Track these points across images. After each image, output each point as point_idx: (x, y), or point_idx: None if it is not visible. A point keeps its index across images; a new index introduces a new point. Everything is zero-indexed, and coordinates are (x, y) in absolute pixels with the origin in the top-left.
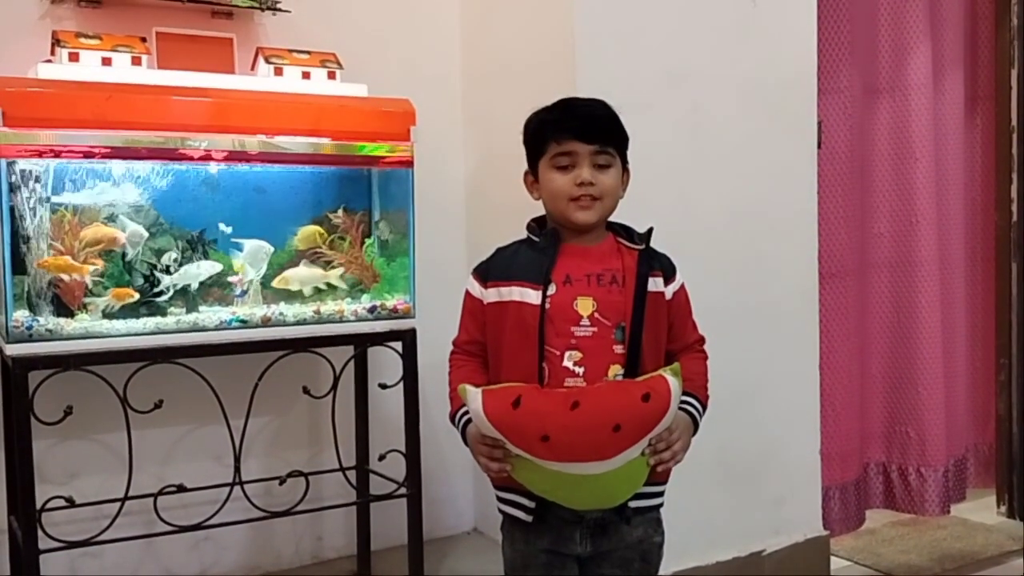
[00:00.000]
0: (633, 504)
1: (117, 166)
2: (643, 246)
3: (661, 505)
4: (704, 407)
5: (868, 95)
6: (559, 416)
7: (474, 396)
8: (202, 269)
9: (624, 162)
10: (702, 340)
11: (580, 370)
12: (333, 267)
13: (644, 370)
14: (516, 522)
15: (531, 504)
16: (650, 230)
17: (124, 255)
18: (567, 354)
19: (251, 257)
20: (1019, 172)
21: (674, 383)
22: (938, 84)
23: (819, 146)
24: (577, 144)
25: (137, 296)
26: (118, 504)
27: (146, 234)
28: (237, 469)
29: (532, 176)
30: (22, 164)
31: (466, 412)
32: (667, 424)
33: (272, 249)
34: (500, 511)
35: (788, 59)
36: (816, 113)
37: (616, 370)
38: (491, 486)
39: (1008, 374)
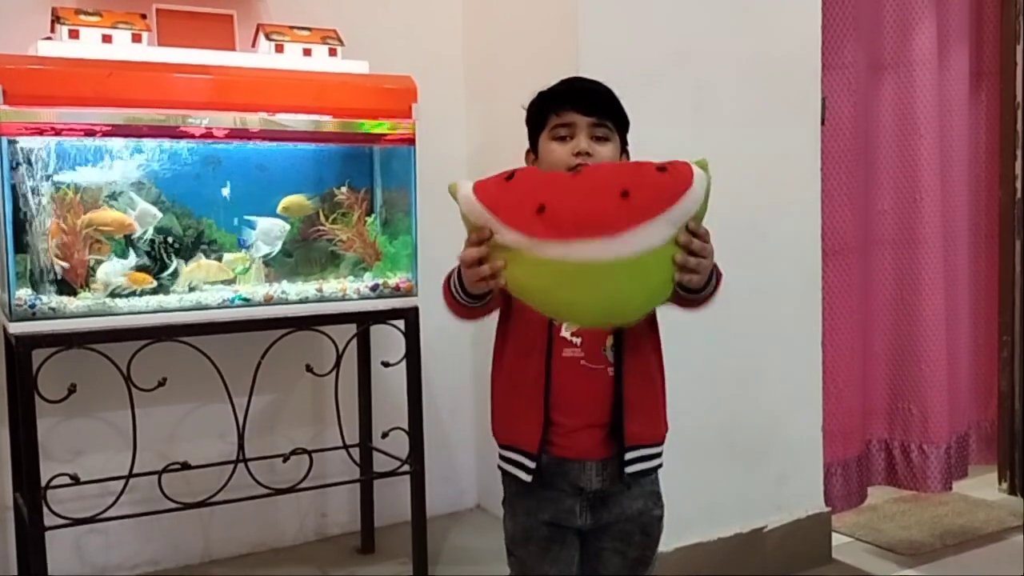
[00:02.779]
0: (631, 469)
1: (118, 144)
2: None
3: (659, 467)
4: (717, 277)
5: (872, 71)
6: (558, 183)
7: (464, 183)
8: (123, 265)
9: (624, 144)
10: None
11: (577, 340)
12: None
13: (634, 334)
14: (517, 495)
15: (532, 464)
16: None
17: (129, 236)
18: (565, 324)
19: (265, 235)
20: None
21: (699, 171)
22: (943, 60)
23: (823, 122)
24: (575, 115)
25: (155, 283)
26: (123, 481)
27: (159, 214)
28: (241, 447)
29: (533, 154)
30: (23, 142)
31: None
32: (693, 209)
33: (288, 227)
34: (500, 471)
35: (792, 35)
36: (820, 89)
37: (610, 341)
38: (495, 451)
39: (1011, 351)
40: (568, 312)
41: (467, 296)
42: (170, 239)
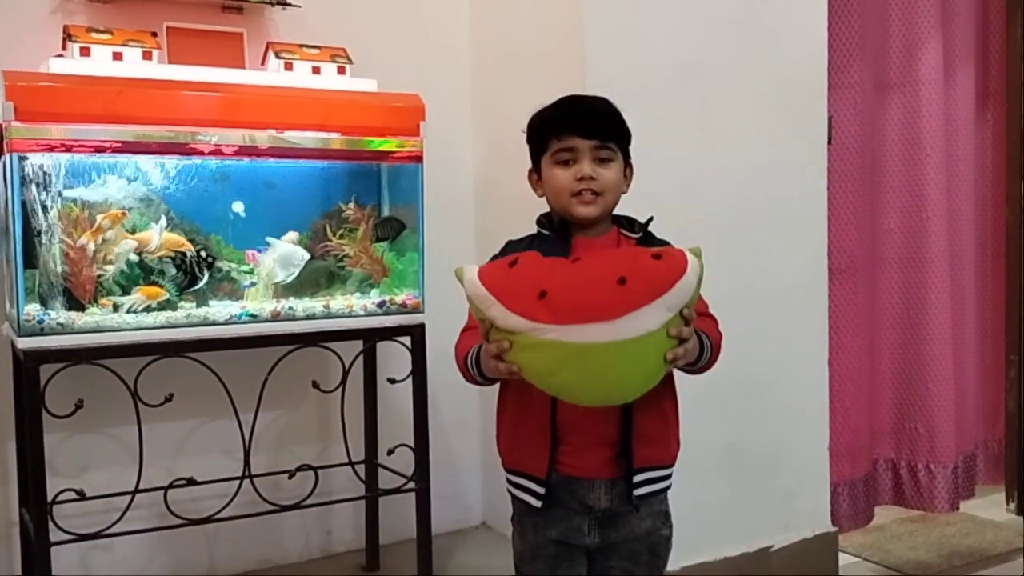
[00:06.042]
0: (639, 491)
1: (128, 160)
2: (640, 235)
3: (668, 488)
4: (714, 347)
5: (879, 90)
6: (559, 270)
7: (470, 268)
8: (127, 247)
9: (627, 158)
10: (707, 306)
11: None
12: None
13: None
14: (525, 513)
15: (541, 490)
16: (649, 219)
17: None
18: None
19: (283, 260)
20: None
21: (692, 258)
22: (949, 79)
23: (829, 141)
24: (577, 139)
25: (167, 295)
26: (128, 497)
27: (166, 224)
28: (247, 463)
29: (536, 174)
30: (34, 158)
31: (479, 349)
32: (686, 296)
33: (307, 256)
34: (510, 494)
35: (798, 54)
36: (826, 108)
37: None
38: (501, 470)
39: (1018, 370)
40: (569, 392)
41: (485, 379)
42: (203, 253)
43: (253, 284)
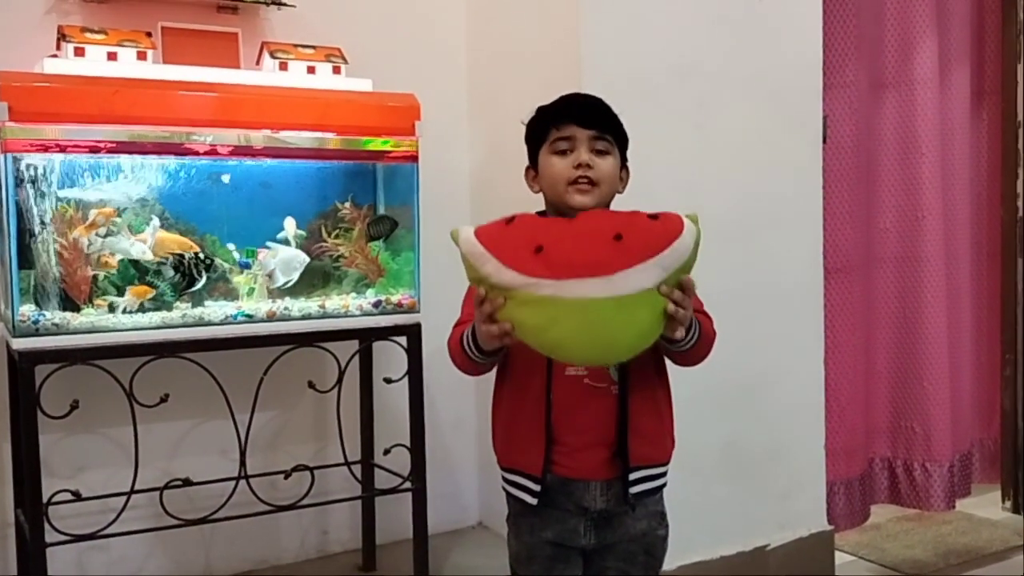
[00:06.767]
0: (636, 489)
1: (123, 161)
2: None
3: (663, 487)
4: (704, 335)
5: (874, 90)
6: (555, 227)
7: (465, 228)
8: (134, 248)
9: (623, 160)
10: (702, 304)
11: None
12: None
13: (639, 358)
14: (521, 514)
15: (536, 487)
16: None
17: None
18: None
19: (284, 265)
20: None
21: (689, 223)
22: (944, 79)
23: (824, 141)
24: (576, 128)
25: (154, 292)
26: (124, 498)
27: (158, 224)
28: (243, 463)
29: (533, 170)
30: (28, 158)
31: (474, 328)
32: (683, 257)
33: (307, 259)
34: (505, 492)
35: (794, 53)
36: (821, 108)
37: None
38: (497, 469)
39: (1013, 369)
40: (562, 350)
41: (480, 353)
42: (201, 255)
43: (247, 265)
